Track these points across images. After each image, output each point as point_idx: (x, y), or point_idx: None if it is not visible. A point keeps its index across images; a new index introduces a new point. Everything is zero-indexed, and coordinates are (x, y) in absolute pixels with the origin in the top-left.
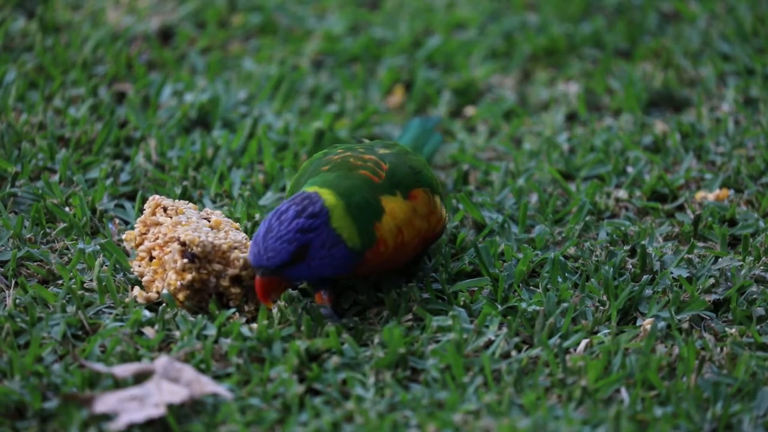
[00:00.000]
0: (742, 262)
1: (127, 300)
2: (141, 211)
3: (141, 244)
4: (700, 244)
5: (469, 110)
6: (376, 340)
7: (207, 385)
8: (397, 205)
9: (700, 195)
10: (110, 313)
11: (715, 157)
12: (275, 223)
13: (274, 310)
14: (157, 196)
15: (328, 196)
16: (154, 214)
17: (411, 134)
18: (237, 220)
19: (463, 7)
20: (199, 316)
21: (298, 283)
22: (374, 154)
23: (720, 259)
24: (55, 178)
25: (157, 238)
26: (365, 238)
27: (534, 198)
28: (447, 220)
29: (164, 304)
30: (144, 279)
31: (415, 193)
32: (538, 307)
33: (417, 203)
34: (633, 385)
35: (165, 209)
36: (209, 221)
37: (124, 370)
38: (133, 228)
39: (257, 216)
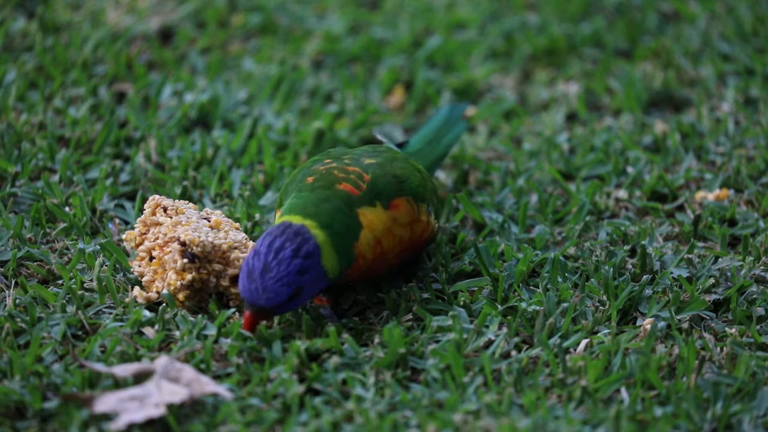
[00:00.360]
0: (742, 262)
1: (127, 300)
2: (141, 211)
3: (141, 244)
4: (700, 244)
5: (469, 110)
6: (376, 340)
7: (207, 385)
8: (376, 216)
9: (700, 195)
10: (110, 313)
11: (715, 157)
12: (273, 262)
13: None
14: (157, 196)
15: (316, 231)
16: (154, 214)
17: (435, 122)
18: (237, 220)
19: (463, 7)
20: (199, 316)
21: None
22: (359, 165)
23: (720, 259)
24: (55, 178)
25: (157, 238)
26: (344, 262)
27: (534, 198)
28: (436, 226)
29: (164, 304)
30: (144, 279)
31: (397, 202)
32: (538, 307)
33: (398, 212)
34: (633, 385)
35: (165, 209)
36: (209, 221)
37: (124, 370)
38: (133, 228)
39: (257, 216)
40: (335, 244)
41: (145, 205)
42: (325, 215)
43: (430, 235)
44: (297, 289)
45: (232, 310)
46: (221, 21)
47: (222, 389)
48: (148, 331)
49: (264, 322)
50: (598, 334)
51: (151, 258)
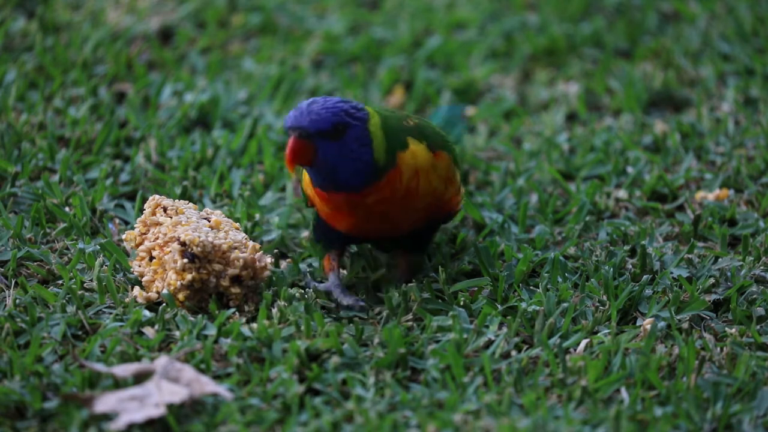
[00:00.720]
0: (742, 262)
1: (127, 300)
2: (141, 211)
3: (141, 244)
4: (700, 244)
5: (469, 110)
6: (376, 340)
7: (207, 385)
8: (420, 150)
9: (700, 195)
10: (110, 313)
11: (715, 157)
12: (320, 99)
13: (274, 310)
14: (157, 196)
15: (368, 108)
16: (154, 214)
17: (436, 122)
18: (237, 220)
19: (463, 7)
20: (199, 316)
21: (321, 167)
22: (408, 114)
23: (720, 259)
24: (55, 178)
25: (157, 238)
26: (389, 157)
27: (534, 198)
28: (462, 199)
29: (164, 304)
30: (144, 279)
31: (440, 153)
32: (538, 307)
33: (439, 161)
34: (633, 385)
35: (165, 209)
36: (209, 221)
37: (124, 370)
38: (133, 228)
39: (257, 216)
40: (385, 128)
41: (145, 205)
42: (383, 113)
43: (458, 205)
44: (342, 125)
45: (232, 310)
46: (221, 21)
47: (222, 389)
48: (148, 331)
49: (302, 167)
50: (598, 334)
51: (151, 258)
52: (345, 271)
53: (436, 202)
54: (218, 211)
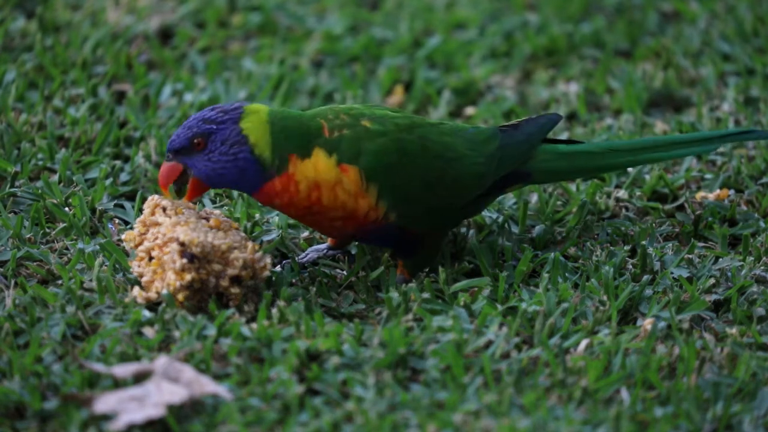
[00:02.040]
0: (742, 262)
1: (126, 300)
2: (140, 211)
3: (140, 244)
4: (701, 244)
5: (469, 110)
6: (376, 340)
7: (207, 385)
8: (324, 164)
9: (700, 195)
10: (110, 313)
11: (716, 157)
12: (192, 116)
13: (274, 311)
14: (156, 196)
15: (256, 105)
16: (153, 214)
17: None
18: (237, 220)
19: (463, 7)
20: (199, 316)
21: (208, 182)
22: (356, 119)
23: (720, 259)
24: (55, 178)
25: (156, 238)
26: (276, 156)
27: (534, 198)
28: (391, 217)
29: (164, 304)
30: (143, 279)
31: (347, 167)
32: (538, 307)
33: (345, 176)
34: (633, 385)
35: (164, 209)
36: (209, 221)
37: (123, 370)
38: (132, 228)
39: (257, 216)
40: (274, 125)
41: (144, 205)
42: (287, 114)
43: (384, 221)
44: (200, 135)
45: (232, 310)
46: (221, 21)
47: (222, 389)
48: (148, 331)
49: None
50: (599, 335)
51: (151, 258)
52: (343, 271)
53: (353, 217)
54: (218, 211)
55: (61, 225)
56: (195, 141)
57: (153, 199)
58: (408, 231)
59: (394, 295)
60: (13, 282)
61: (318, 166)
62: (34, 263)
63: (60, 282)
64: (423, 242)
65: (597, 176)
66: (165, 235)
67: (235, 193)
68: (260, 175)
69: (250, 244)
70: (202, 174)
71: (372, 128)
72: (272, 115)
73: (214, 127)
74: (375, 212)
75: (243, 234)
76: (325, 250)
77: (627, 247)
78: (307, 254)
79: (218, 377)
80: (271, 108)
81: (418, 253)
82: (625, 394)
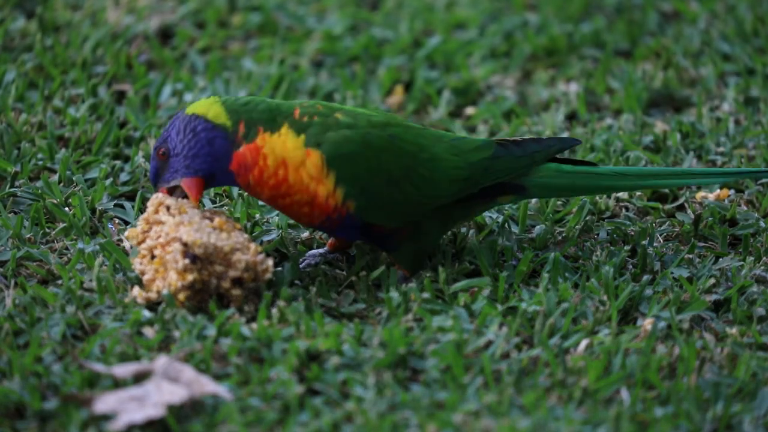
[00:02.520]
0: (742, 262)
1: (126, 300)
2: (141, 211)
3: (143, 241)
4: (701, 244)
5: (469, 110)
6: (376, 340)
7: (207, 385)
8: (292, 142)
9: (700, 195)
10: (110, 313)
11: (716, 157)
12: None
13: (274, 311)
14: (160, 195)
15: (207, 101)
16: (157, 212)
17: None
18: (237, 219)
19: (463, 7)
20: (199, 316)
21: (197, 173)
22: (331, 111)
23: (720, 259)
24: (55, 178)
25: (159, 237)
26: (236, 122)
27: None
28: (350, 206)
29: (164, 304)
30: (145, 278)
31: (312, 152)
32: (538, 307)
33: (309, 160)
34: (633, 385)
35: (168, 208)
36: (212, 221)
37: (123, 370)
38: (135, 226)
39: (257, 216)
40: (226, 101)
41: (148, 203)
42: (243, 100)
43: (344, 213)
44: (159, 147)
45: (232, 310)
46: (221, 21)
47: (222, 389)
48: (148, 331)
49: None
50: (599, 335)
51: (153, 257)
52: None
53: (316, 204)
54: (221, 211)
55: (61, 225)
56: (160, 154)
57: (157, 197)
58: (374, 226)
59: (394, 295)
60: (13, 282)
61: (286, 143)
62: (34, 263)
63: (60, 282)
64: (401, 237)
65: (594, 195)
66: (168, 234)
67: (235, 193)
68: (227, 142)
69: (252, 246)
70: (182, 170)
71: (342, 120)
72: (224, 98)
73: (165, 133)
74: (333, 199)
75: (246, 235)
76: (323, 255)
77: (627, 247)
78: (305, 260)
79: (218, 377)
80: (224, 103)
81: (401, 247)
82: (625, 394)
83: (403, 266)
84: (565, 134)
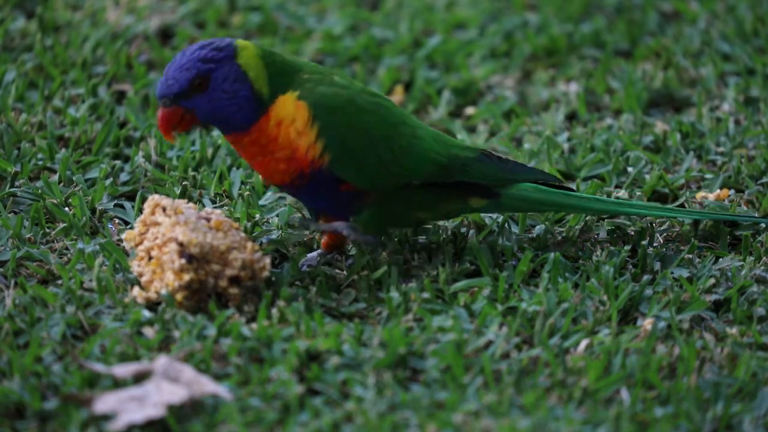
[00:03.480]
0: (742, 262)
1: (126, 300)
2: (141, 211)
3: (140, 243)
4: (700, 244)
5: (469, 110)
6: (376, 340)
7: (207, 385)
8: (289, 101)
9: (700, 195)
10: (110, 313)
11: (716, 157)
12: (179, 55)
13: (274, 311)
14: (156, 196)
15: (243, 42)
16: (153, 213)
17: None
18: (237, 220)
19: (463, 7)
20: (199, 316)
21: (207, 122)
22: (331, 73)
23: (720, 259)
24: (55, 178)
25: (156, 238)
26: (272, 91)
27: None
28: (326, 159)
29: (164, 305)
30: (143, 279)
31: (300, 104)
32: (538, 307)
33: (298, 113)
34: (633, 385)
35: (164, 209)
36: (209, 221)
37: (123, 370)
38: (132, 228)
39: (257, 216)
40: (267, 59)
41: (145, 205)
42: (272, 51)
43: (316, 166)
44: (200, 76)
45: (232, 310)
46: (221, 21)
47: (222, 389)
48: (148, 331)
49: (182, 132)
50: (599, 335)
51: (150, 258)
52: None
53: (294, 156)
54: (218, 211)
55: (61, 225)
56: (196, 83)
57: (153, 198)
58: (343, 184)
59: (395, 294)
60: (13, 282)
61: (285, 102)
62: (34, 263)
63: (60, 282)
64: (364, 201)
65: (567, 213)
66: (164, 235)
67: (235, 193)
68: (255, 113)
69: (249, 245)
70: (204, 114)
71: (337, 80)
72: (261, 51)
73: (213, 65)
74: (313, 150)
75: (243, 234)
76: (321, 254)
77: (627, 247)
78: (302, 266)
79: (218, 377)
80: (256, 45)
81: (363, 211)
82: (625, 394)
83: (364, 229)
84: (565, 134)
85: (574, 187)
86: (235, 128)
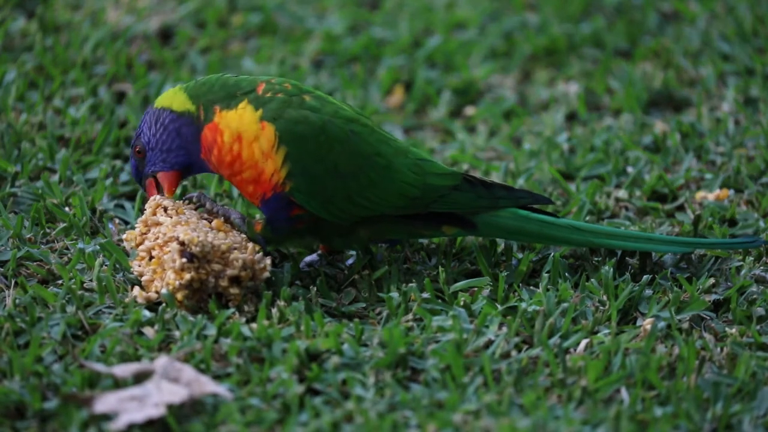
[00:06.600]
0: (742, 262)
1: (126, 300)
2: (141, 211)
3: (141, 243)
4: None
5: (469, 110)
6: (376, 340)
7: (207, 385)
8: (250, 116)
9: (700, 195)
10: (110, 313)
11: (715, 157)
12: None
13: (274, 310)
14: (157, 196)
15: (172, 91)
16: (154, 213)
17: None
18: None
19: (463, 7)
20: (199, 316)
21: (174, 168)
22: (300, 91)
23: (720, 259)
24: (55, 178)
25: (157, 238)
26: (200, 105)
27: None
28: (287, 186)
29: (164, 304)
30: (143, 279)
31: (265, 125)
32: (538, 307)
33: (263, 134)
34: (633, 385)
35: (165, 209)
36: (210, 222)
37: (124, 370)
38: (133, 228)
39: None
40: (189, 87)
41: (146, 205)
42: (202, 82)
43: (270, 196)
44: (134, 145)
45: (232, 310)
46: (221, 21)
47: (222, 389)
48: (148, 331)
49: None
50: (598, 334)
51: (151, 258)
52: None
53: (259, 179)
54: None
55: (61, 225)
56: (136, 152)
57: (155, 198)
58: (296, 208)
59: (395, 294)
60: (13, 282)
61: (243, 117)
62: (34, 263)
63: (60, 282)
64: (304, 224)
65: (543, 244)
66: (165, 234)
67: (235, 192)
68: (194, 129)
69: (250, 245)
70: (159, 164)
71: (307, 102)
72: (186, 84)
73: (138, 129)
74: (277, 176)
75: (244, 235)
76: (321, 255)
77: None
78: (304, 264)
79: (218, 377)
80: (187, 91)
81: (281, 228)
82: (625, 394)
83: (262, 233)
84: (565, 134)
85: (558, 213)
86: (195, 153)
